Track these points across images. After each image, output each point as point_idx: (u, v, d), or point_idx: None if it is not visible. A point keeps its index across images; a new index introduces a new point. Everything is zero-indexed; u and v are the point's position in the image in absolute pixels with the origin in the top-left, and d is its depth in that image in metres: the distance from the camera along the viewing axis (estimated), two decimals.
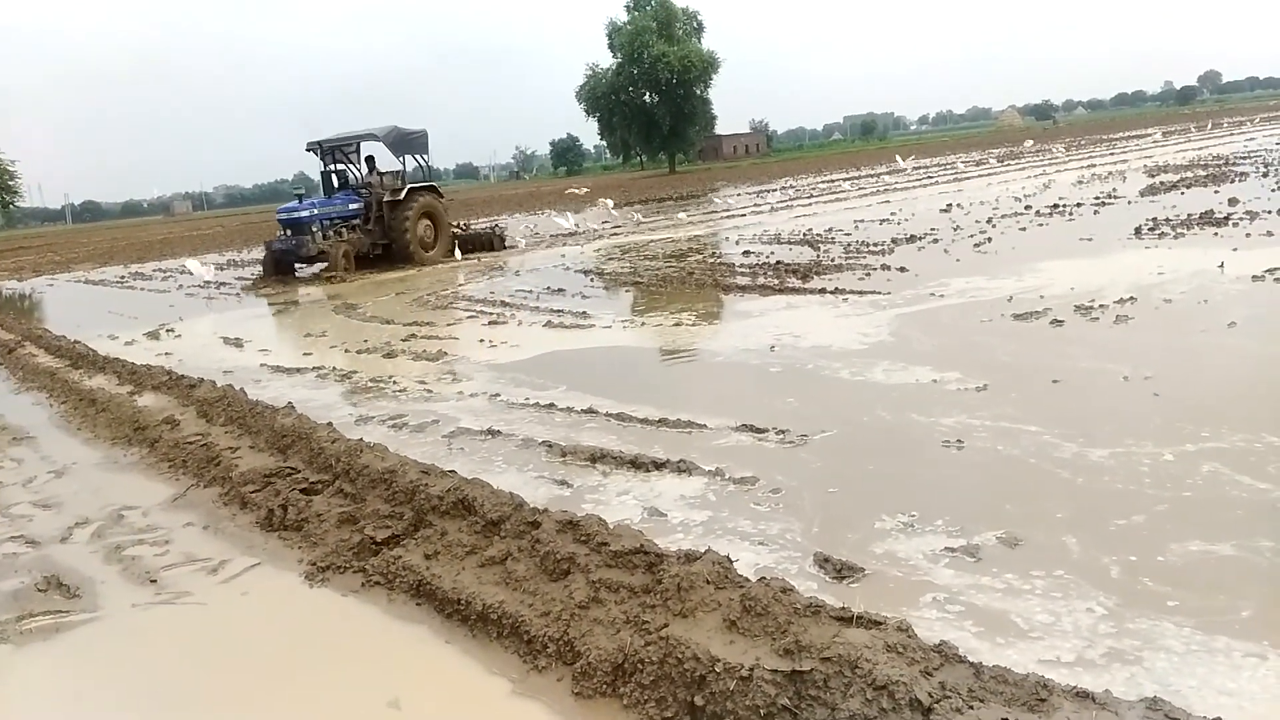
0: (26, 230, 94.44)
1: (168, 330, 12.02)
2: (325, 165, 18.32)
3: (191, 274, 19.45)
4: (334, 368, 8.40)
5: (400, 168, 18.55)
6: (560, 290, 11.94)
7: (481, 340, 9.02)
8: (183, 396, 6.71)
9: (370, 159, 18.48)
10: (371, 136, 18.03)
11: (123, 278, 22.69)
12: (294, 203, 17.49)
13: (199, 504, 4.86)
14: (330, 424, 5.36)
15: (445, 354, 8.50)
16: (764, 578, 2.97)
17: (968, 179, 26.75)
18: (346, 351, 9.28)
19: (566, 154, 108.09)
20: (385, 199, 17.80)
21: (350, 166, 18.49)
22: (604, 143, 76.46)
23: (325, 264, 17.25)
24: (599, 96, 65.44)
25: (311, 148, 18.10)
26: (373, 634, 3.40)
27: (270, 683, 3.18)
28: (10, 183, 52.78)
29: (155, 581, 3.99)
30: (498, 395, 6.69)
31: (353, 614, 3.55)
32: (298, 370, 8.51)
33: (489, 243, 19.47)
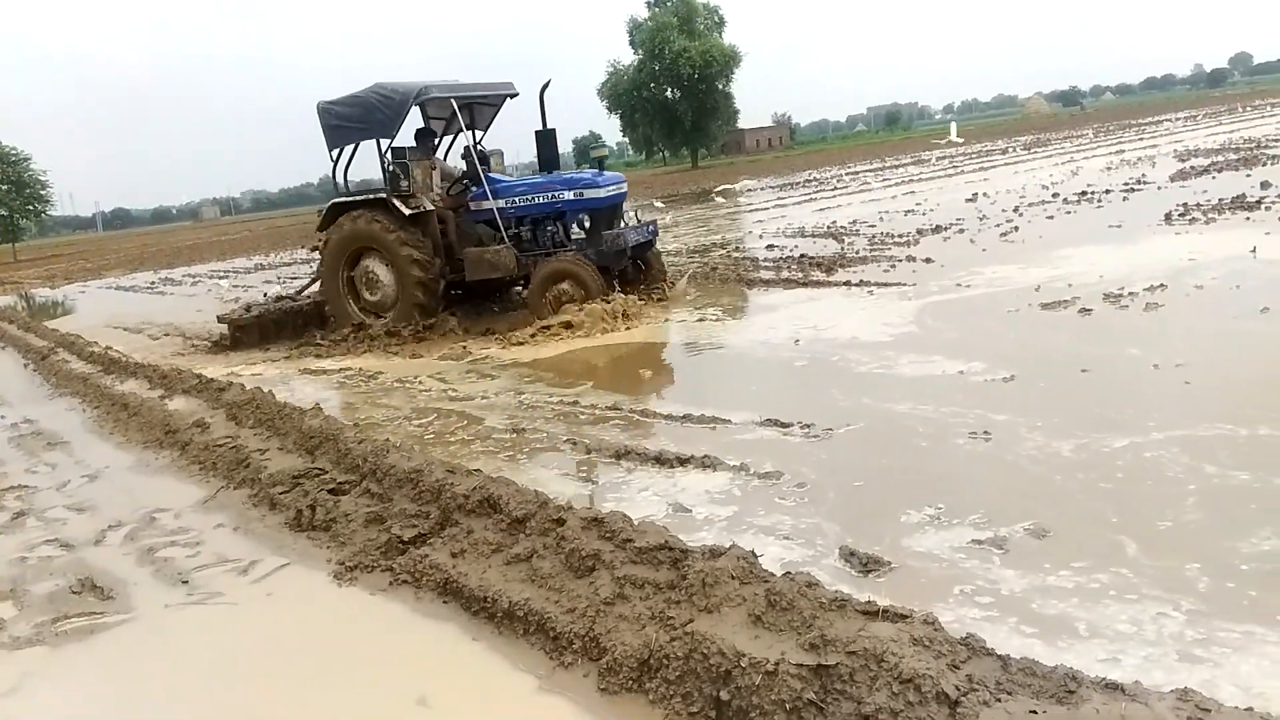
0: (58, 238, 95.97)
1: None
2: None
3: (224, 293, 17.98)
4: (360, 369, 8.47)
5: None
6: None
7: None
8: (212, 400, 6.79)
9: (427, 134, 11.05)
10: (511, 91, 11.09)
11: (153, 283, 23.01)
12: (593, 171, 10.38)
13: (229, 505, 4.92)
14: (357, 425, 5.41)
15: (469, 353, 8.54)
16: (789, 572, 2.95)
17: (993, 167, 26.48)
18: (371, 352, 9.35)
19: (589, 151, 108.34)
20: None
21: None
22: (626, 140, 76.38)
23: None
24: (620, 93, 65.36)
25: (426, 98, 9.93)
26: (400, 632, 3.43)
27: (300, 681, 3.21)
28: (42, 192, 53.71)
29: (187, 582, 4.04)
30: (521, 393, 6.72)
31: (380, 612, 3.57)
32: (324, 372, 8.58)
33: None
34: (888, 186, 24.56)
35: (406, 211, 9.63)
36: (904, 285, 9.19)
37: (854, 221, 15.88)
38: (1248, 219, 10.60)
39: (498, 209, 9.88)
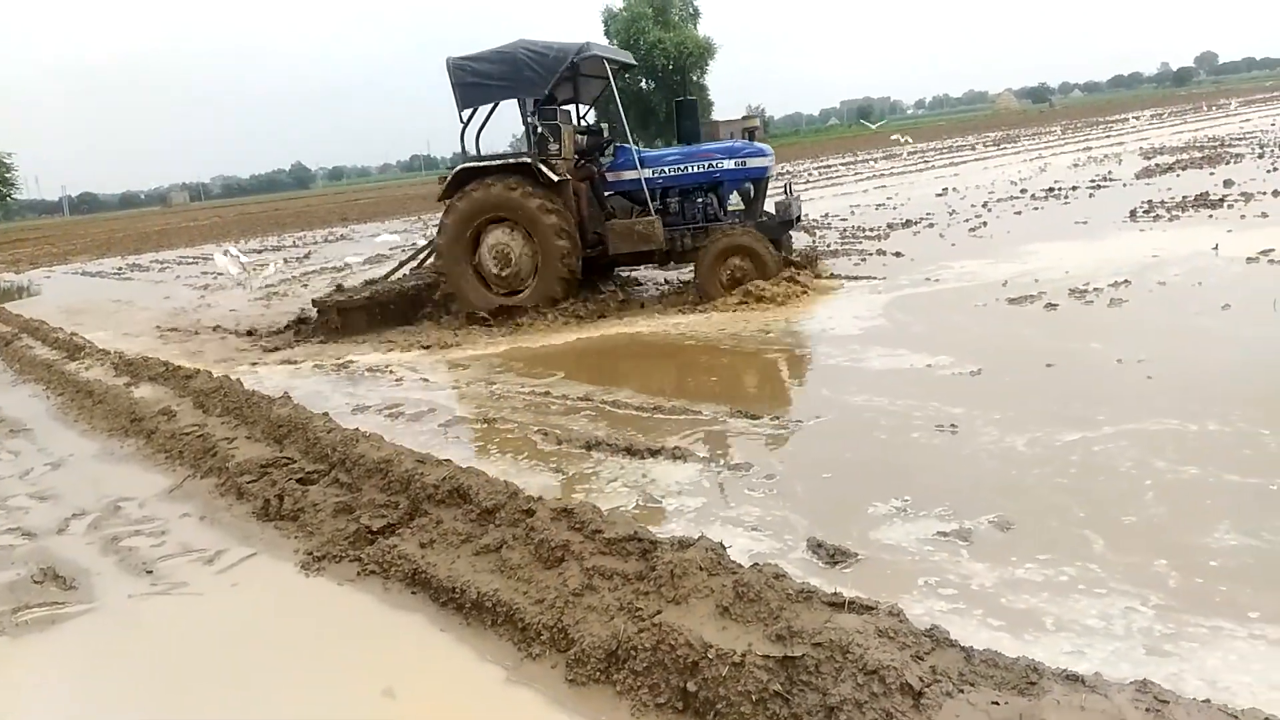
0: (24, 222, 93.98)
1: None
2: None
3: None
4: (331, 354, 8.40)
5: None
6: None
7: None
8: (179, 387, 6.71)
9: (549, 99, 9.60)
10: (631, 61, 10.81)
11: (120, 269, 22.66)
12: (744, 142, 9.98)
13: (195, 494, 4.87)
14: (326, 414, 5.37)
15: (442, 343, 8.49)
16: (757, 564, 2.98)
17: (964, 163, 26.69)
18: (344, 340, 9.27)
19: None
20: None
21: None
22: None
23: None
24: None
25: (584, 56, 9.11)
26: (368, 623, 3.41)
27: (265, 672, 3.19)
28: (7, 175, 52.68)
29: (151, 572, 4.00)
30: (493, 384, 6.70)
31: (348, 603, 3.56)
32: (295, 360, 8.50)
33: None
34: (859, 180, 24.68)
35: (555, 178, 8.90)
36: (874, 279, 9.25)
37: (825, 215, 15.95)
38: (1211, 217, 10.78)
39: (645, 179, 9.28)
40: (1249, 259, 7.99)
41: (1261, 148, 18.87)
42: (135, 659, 3.39)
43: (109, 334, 10.89)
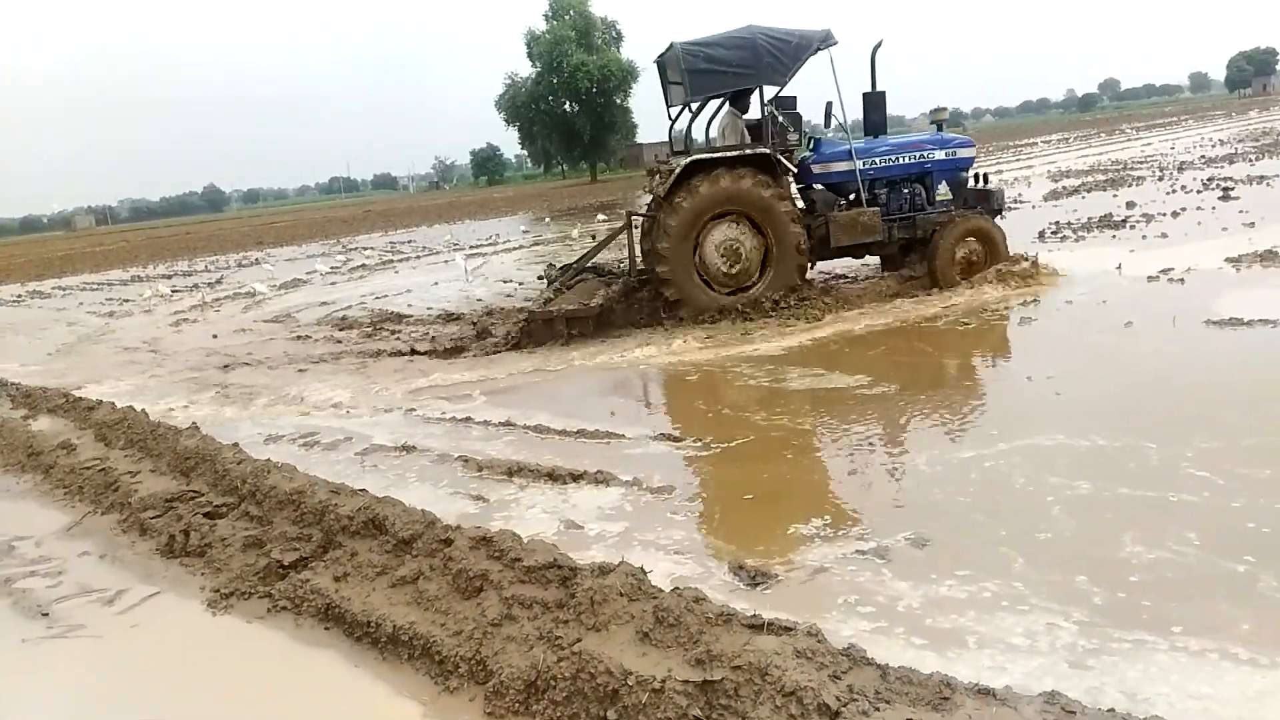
0: None
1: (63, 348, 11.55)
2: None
3: None
4: (243, 383, 8.16)
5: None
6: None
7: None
8: (80, 419, 6.44)
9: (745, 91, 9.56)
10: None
11: (19, 296, 21.74)
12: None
13: (95, 532, 4.65)
14: (236, 444, 5.20)
15: (361, 368, 8.32)
16: (677, 588, 2.96)
17: None
18: (258, 365, 9.02)
19: (487, 163, 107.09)
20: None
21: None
22: (525, 152, 76.07)
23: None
24: (519, 106, 65.13)
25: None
26: (279, 661, 3.29)
27: (170, 717, 3.05)
28: None
29: (48, 615, 3.81)
30: (413, 410, 6.58)
31: (258, 641, 3.43)
32: (208, 386, 8.23)
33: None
34: None
35: (793, 169, 8.83)
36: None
37: None
38: (1114, 237, 11.22)
39: (859, 171, 9.13)
40: (1150, 278, 8.32)
41: (1161, 170, 19.70)
42: (29, 707, 3.21)
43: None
